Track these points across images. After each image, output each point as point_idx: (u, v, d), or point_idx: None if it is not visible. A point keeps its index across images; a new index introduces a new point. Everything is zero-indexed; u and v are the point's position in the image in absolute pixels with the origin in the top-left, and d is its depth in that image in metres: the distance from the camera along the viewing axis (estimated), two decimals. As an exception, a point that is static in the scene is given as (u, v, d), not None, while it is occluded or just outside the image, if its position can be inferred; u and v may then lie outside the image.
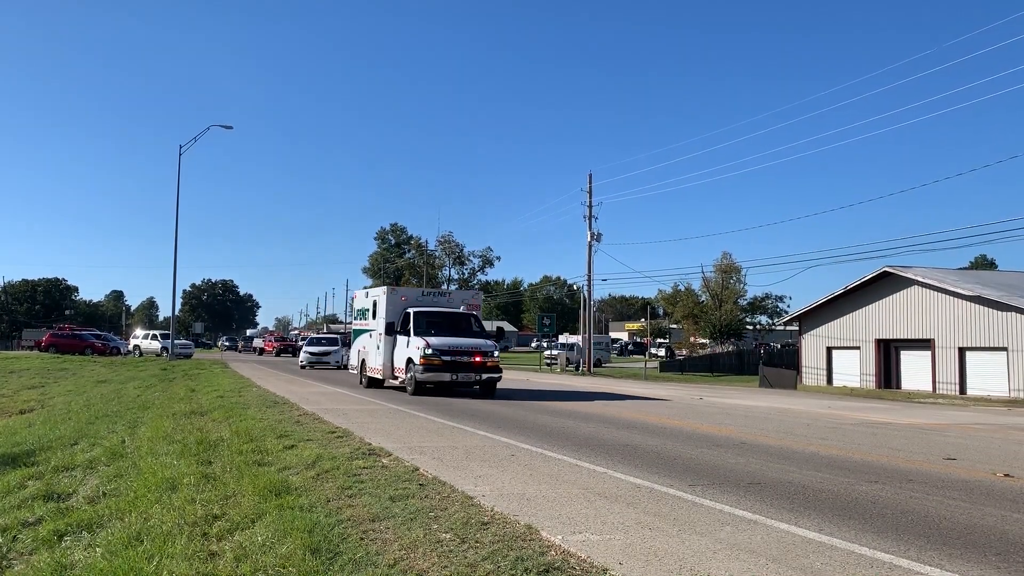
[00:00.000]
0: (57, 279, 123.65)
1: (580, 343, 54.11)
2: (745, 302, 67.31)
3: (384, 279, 77.30)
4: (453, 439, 10.57)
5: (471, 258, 79.90)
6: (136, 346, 50.89)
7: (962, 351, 30.45)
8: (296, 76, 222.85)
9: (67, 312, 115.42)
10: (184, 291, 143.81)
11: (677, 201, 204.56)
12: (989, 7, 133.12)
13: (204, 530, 5.82)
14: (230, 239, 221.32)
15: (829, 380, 36.40)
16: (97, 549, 5.59)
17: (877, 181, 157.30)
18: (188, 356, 46.12)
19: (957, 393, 29.83)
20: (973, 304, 29.92)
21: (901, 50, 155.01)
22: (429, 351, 18.03)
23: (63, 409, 18.00)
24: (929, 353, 31.76)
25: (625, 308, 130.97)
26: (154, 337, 52.06)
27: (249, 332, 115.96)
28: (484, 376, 18.95)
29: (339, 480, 7.23)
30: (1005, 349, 28.75)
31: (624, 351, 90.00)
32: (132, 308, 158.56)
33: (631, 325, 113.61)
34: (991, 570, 4.81)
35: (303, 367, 35.04)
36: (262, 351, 66.77)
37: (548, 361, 52.76)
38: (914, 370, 32.95)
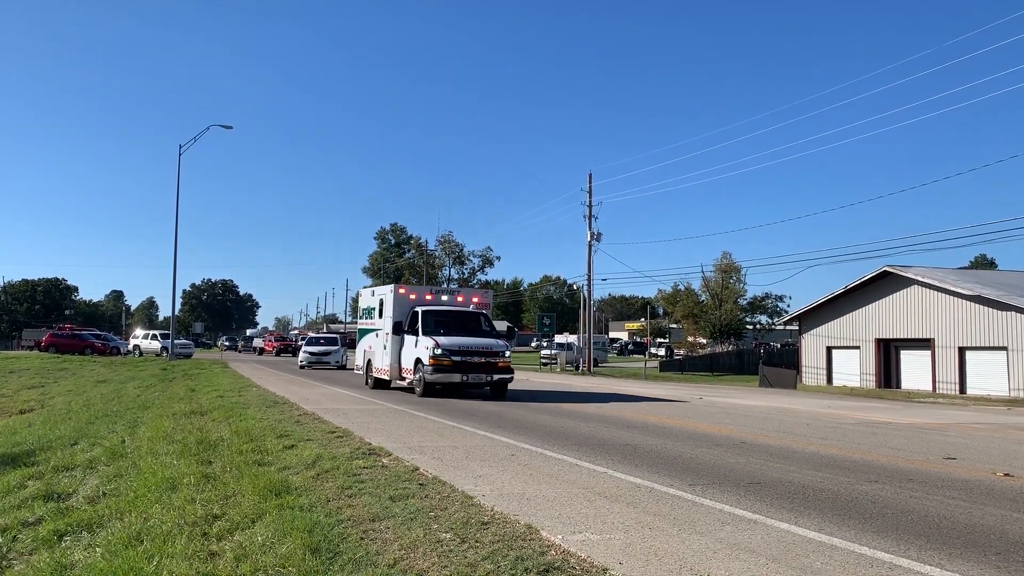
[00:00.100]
0: (57, 279, 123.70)
1: (575, 342, 54.11)
2: (745, 302, 67.27)
3: (384, 279, 77.27)
4: (453, 439, 10.57)
5: (471, 258, 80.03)
6: (136, 346, 50.88)
7: (962, 351, 30.45)
8: (296, 76, 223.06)
9: (67, 312, 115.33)
10: (184, 291, 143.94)
11: (677, 201, 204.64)
12: (989, 7, 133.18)
13: (204, 530, 5.81)
14: (230, 239, 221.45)
15: (829, 380, 36.40)
16: (97, 549, 5.59)
17: (877, 181, 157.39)
18: (188, 356, 46.11)
19: (957, 393, 29.83)
20: (973, 304, 29.92)
21: (901, 50, 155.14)
22: (439, 351, 17.54)
23: (63, 409, 18.00)
24: (929, 353, 31.76)
25: (625, 308, 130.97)
26: (154, 337, 52.05)
27: (249, 332, 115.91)
28: (495, 377, 18.33)
29: (339, 480, 7.23)
30: (1005, 348, 28.75)
31: (624, 351, 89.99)
32: (132, 308, 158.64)
33: (631, 325, 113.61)
34: (991, 570, 4.81)
35: (302, 367, 35.00)
36: (262, 351, 66.77)
37: (544, 361, 52.76)
38: (914, 370, 32.95)
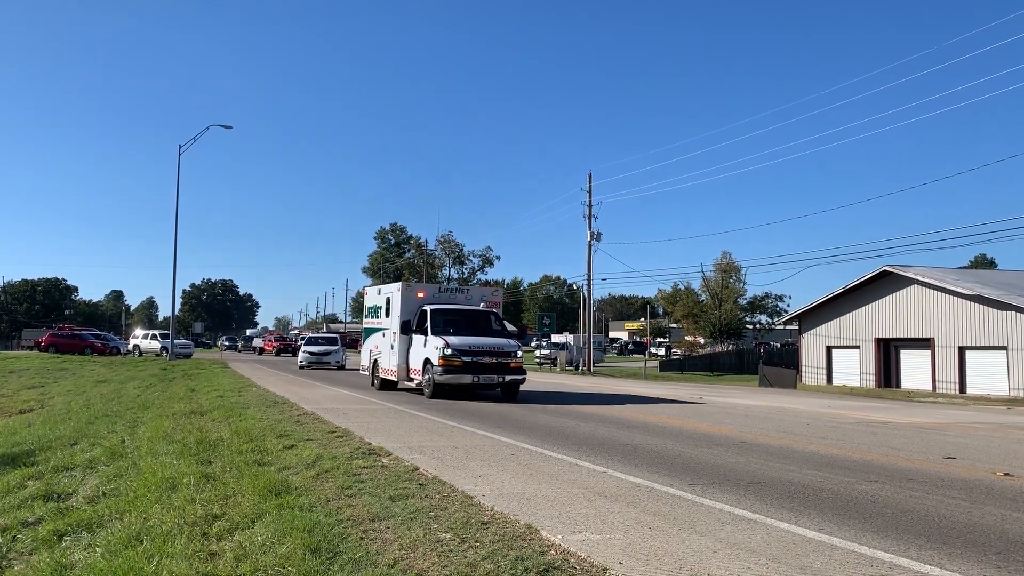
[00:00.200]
0: (57, 279, 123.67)
1: (571, 342, 54.06)
2: (745, 301, 67.24)
3: (384, 279, 77.27)
4: (453, 439, 10.57)
5: (471, 258, 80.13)
6: (136, 346, 50.89)
7: (962, 350, 30.46)
8: (296, 76, 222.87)
9: (67, 312, 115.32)
10: (184, 291, 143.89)
11: (677, 201, 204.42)
12: (989, 7, 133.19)
13: (204, 530, 5.81)
14: (230, 239, 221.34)
15: (829, 379, 36.41)
16: (97, 549, 5.59)
17: (876, 180, 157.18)
18: (188, 356, 46.11)
19: (957, 392, 29.84)
20: (973, 303, 29.93)
21: (900, 49, 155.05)
22: (448, 351, 17.08)
23: (63, 409, 18.00)
24: (929, 352, 31.77)
25: (625, 307, 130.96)
26: (154, 337, 52.07)
27: (249, 332, 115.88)
28: (507, 378, 17.77)
29: (339, 480, 7.23)
30: (1005, 348, 28.75)
31: (624, 350, 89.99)
32: (132, 308, 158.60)
33: (631, 324, 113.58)
34: (991, 569, 4.81)
35: (302, 367, 34.96)
36: (262, 351, 66.76)
37: (540, 361, 52.76)
38: (914, 369, 32.96)
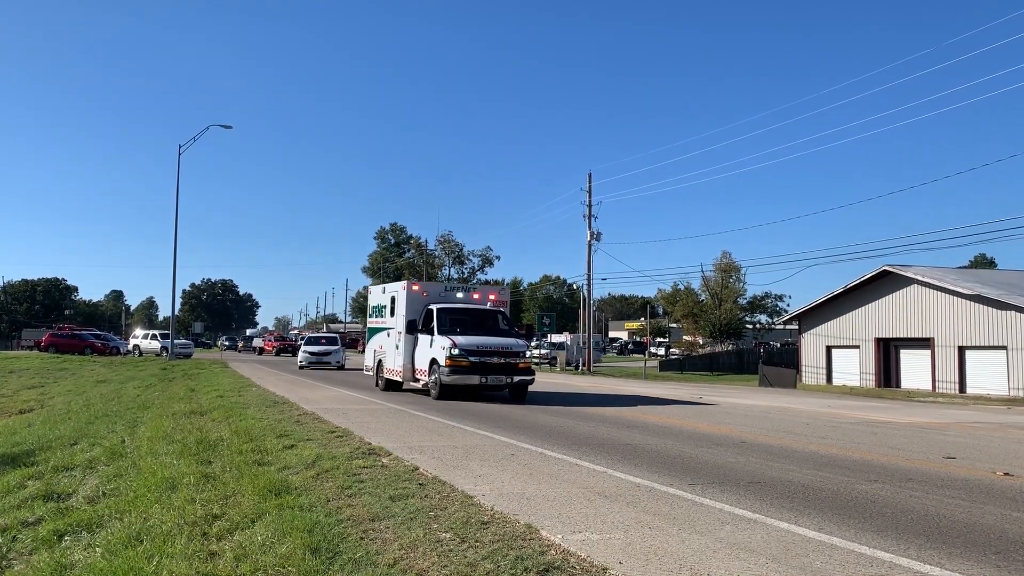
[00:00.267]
0: (57, 279, 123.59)
1: (568, 342, 54.02)
2: (745, 301, 67.21)
3: (384, 278, 77.24)
4: (453, 438, 10.58)
5: (471, 257, 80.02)
6: (136, 346, 50.89)
7: (962, 350, 30.46)
8: (296, 76, 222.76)
9: (67, 312, 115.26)
10: (184, 291, 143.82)
11: (677, 200, 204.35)
12: (988, 6, 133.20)
13: (204, 530, 5.82)
14: (230, 239, 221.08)
15: (829, 379, 36.42)
16: (97, 549, 5.59)
17: (876, 180, 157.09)
18: (188, 356, 46.10)
19: (957, 392, 29.84)
20: (973, 303, 29.93)
21: (900, 49, 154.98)
22: (456, 351, 16.76)
23: (63, 409, 18.00)
24: (929, 352, 31.77)
25: (625, 307, 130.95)
26: (154, 337, 52.07)
27: (249, 332, 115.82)
28: (516, 379, 17.46)
29: (339, 480, 7.23)
30: (1005, 348, 28.76)
31: (624, 350, 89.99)
32: (132, 308, 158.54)
33: (631, 324, 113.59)
34: (991, 569, 4.81)
35: (302, 367, 34.91)
36: (261, 351, 66.73)
37: (538, 361, 52.73)
38: (914, 369, 32.96)
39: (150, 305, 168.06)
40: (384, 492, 6.62)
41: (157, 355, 46.50)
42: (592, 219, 47.10)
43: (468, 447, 9.71)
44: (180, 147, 42.16)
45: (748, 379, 42.82)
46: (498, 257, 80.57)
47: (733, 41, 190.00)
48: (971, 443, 12.19)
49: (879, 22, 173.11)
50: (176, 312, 49.73)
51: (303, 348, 38.01)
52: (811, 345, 37.76)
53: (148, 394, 19.46)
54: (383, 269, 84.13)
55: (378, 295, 22.58)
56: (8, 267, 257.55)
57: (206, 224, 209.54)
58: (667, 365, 55.42)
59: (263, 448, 9.27)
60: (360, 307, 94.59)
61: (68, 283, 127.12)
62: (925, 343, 31.96)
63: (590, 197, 47.37)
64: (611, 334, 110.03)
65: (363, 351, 31.33)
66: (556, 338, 60.24)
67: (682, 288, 66.87)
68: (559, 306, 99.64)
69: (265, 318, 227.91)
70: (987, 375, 29.35)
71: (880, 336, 34.08)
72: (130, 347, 50.81)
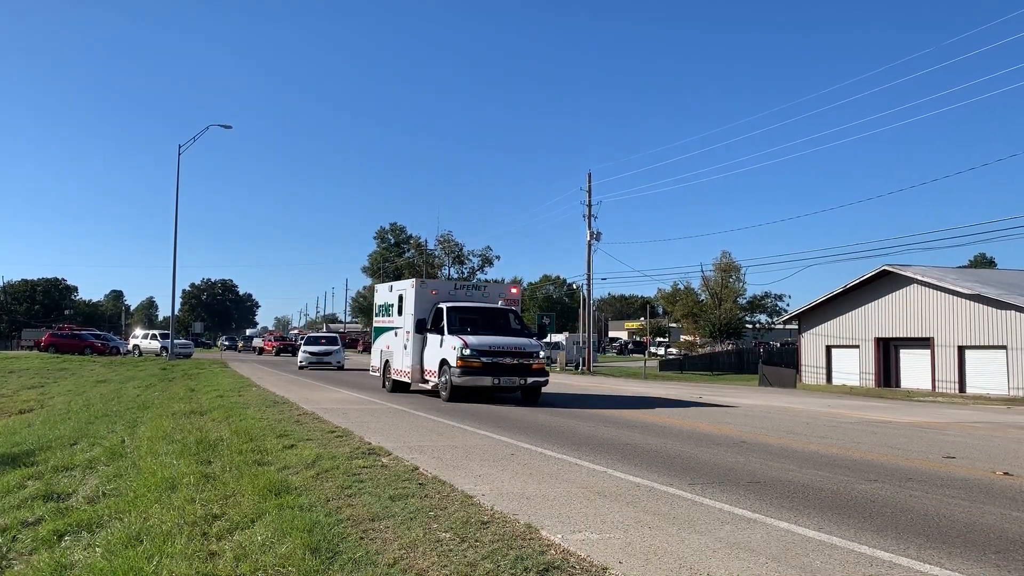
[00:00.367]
0: (57, 279, 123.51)
1: (564, 342, 54.00)
2: (744, 301, 67.22)
3: (384, 278, 77.24)
4: (452, 438, 10.58)
5: (470, 257, 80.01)
6: (136, 346, 50.88)
7: (961, 349, 30.47)
8: (296, 76, 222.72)
9: (67, 312, 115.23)
10: (184, 291, 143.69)
11: (676, 200, 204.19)
12: (988, 6, 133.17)
13: (204, 530, 5.82)
14: (230, 239, 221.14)
15: (828, 379, 36.43)
16: (97, 549, 5.59)
17: (876, 180, 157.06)
18: (188, 356, 46.10)
19: (956, 391, 29.85)
20: (972, 303, 29.94)
21: (900, 49, 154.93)
22: (467, 352, 16.25)
23: (63, 409, 18.00)
24: (928, 352, 31.78)
25: (624, 307, 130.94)
26: (154, 337, 52.06)
27: (249, 332, 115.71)
28: (529, 380, 16.84)
29: (339, 479, 7.23)
30: (1004, 347, 28.77)
31: (624, 350, 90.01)
32: (132, 308, 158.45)
33: (631, 324, 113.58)
34: (991, 568, 4.81)
35: (302, 367, 34.85)
36: (261, 351, 66.70)
37: None
38: (913, 369, 32.97)
39: (150, 305, 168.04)
40: (384, 492, 6.62)
41: (157, 355, 46.50)
42: (592, 219, 47.18)
43: (468, 447, 9.71)
44: (180, 147, 42.20)
45: (748, 379, 42.83)
46: (498, 257, 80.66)
47: (733, 41, 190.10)
48: (971, 443, 12.19)
49: (879, 22, 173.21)
50: (176, 312, 49.72)
51: (303, 348, 37.98)
52: (811, 345, 37.76)
53: (148, 394, 19.46)
54: (383, 269, 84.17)
55: (385, 293, 21.97)
56: (8, 267, 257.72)
57: (206, 224, 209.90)
58: (667, 365, 55.46)
59: (263, 448, 9.26)
60: (360, 307, 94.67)
61: (68, 283, 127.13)
62: (925, 343, 31.97)
63: (590, 197, 47.45)
64: (611, 334, 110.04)
65: (363, 351, 31.28)
66: (555, 337, 60.27)
67: (682, 288, 66.92)
68: (559, 306, 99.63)
69: (265, 318, 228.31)
70: (987, 375, 29.36)
71: (880, 336, 34.09)
72: (130, 347, 50.81)
